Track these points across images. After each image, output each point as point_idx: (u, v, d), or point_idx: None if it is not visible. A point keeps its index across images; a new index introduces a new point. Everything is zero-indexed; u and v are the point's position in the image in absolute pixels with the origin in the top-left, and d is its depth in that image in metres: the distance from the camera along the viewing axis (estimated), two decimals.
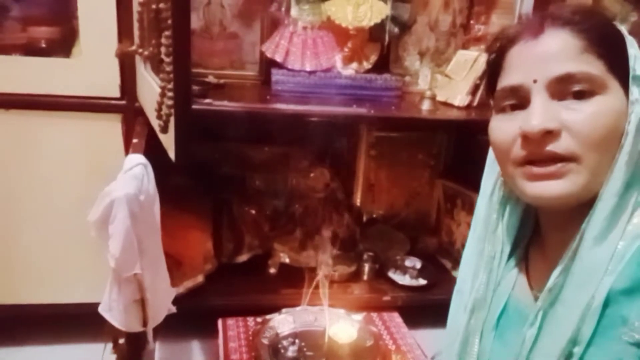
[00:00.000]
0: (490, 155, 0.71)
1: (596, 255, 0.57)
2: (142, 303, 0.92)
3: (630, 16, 1.25)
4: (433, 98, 1.38)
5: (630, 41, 0.61)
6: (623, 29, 0.62)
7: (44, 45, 1.22)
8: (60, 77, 1.18)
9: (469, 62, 1.41)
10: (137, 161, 0.97)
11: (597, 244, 0.57)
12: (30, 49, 1.21)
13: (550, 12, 0.62)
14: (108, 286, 0.92)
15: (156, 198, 1.00)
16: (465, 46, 1.51)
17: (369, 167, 1.63)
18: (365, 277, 1.46)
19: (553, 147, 0.57)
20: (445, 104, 1.42)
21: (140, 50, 0.96)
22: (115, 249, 0.87)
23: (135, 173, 0.93)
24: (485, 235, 0.72)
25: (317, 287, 1.21)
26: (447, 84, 1.46)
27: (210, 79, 1.35)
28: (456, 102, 1.40)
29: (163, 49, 0.83)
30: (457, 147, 1.68)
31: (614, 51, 0.59)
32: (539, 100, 0.58)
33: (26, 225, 1.25)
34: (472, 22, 1.48)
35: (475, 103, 1.39)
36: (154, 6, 0.80)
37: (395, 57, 1.51)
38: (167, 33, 0.78)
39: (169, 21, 0.79)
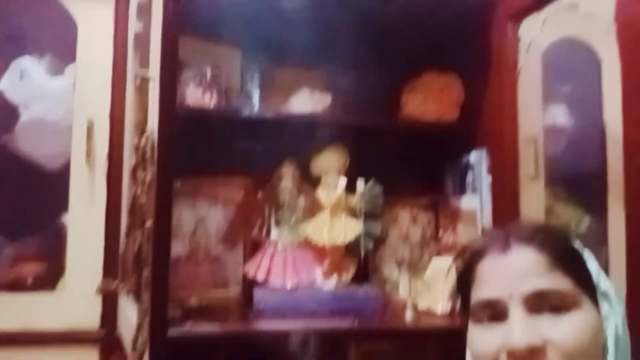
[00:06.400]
0: None
1: None
2: None
3: (582, 221, 1.35)
4: (415, 307, 1.39)
5: (588, 256, 0.64)
6: (580, 244, 0.65)
7: (30, 281, 1.25)
8: (43, 311, 1.19)
9: (445, 269, 1.45)
10: None
11: None
12: (16, 286, 1.25)
13: (513, 230, 0.65)
14: None
15: None
16: (438, 254, 1.59)
17: None
18: None
19: None
20: (428, 312, 1.42)
21: (121, 286, 0.99)
22: None
23: None
24: None
25: None
26: (427, 290, 1.48)
27: (192, 301, 1.36)
28: (438, 310, 1.40)
29: (143, 285, 0.86)
30: (448, 354, 1.61)
31: (578, 268, 0.61)
32: (518, 315, 0.59)
33: None
34: (440, 232, 1.58)
35: (457, 309, 1.39)
36: (136, 248, 0.86)
37: (373, 268, 1.57)
38: (146, 273, 0.82)
39: (149, 259, 0.85)
